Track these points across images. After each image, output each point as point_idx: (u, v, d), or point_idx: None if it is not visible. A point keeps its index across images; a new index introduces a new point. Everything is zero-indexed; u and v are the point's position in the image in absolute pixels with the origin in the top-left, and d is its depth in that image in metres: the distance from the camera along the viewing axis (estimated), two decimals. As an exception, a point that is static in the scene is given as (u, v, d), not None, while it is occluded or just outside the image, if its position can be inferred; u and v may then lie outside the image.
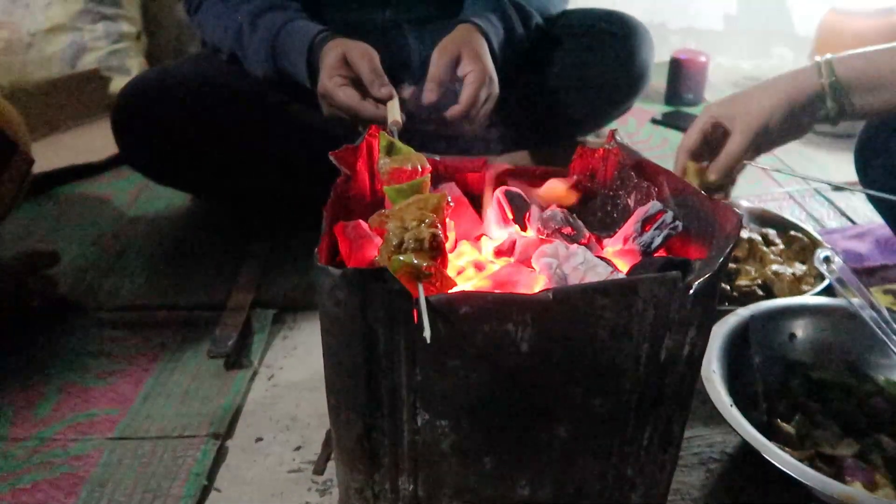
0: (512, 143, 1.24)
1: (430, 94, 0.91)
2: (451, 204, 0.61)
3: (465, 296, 0.47)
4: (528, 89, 1.15)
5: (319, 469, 0.71)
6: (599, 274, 0.54)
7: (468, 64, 0.92)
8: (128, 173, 1.28)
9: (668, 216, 0.60)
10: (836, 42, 1.77)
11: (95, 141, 1.46)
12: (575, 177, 0.71)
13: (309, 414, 0.78)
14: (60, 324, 0.92)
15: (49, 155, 1.31)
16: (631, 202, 0.68)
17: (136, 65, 1.67)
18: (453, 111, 0.91)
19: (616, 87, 1.19)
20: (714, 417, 0.73)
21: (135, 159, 1.10)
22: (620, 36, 1.18)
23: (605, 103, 1.21)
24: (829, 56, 0.79)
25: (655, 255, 0.59)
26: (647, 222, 0.61)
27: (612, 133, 0.71)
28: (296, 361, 0.87)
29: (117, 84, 1.60)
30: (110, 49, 1.63)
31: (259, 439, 0.75)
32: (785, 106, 0.78)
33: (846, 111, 0.78)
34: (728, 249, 0.50)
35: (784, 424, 0.68)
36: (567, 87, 1.16)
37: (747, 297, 0.88)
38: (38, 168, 0.91)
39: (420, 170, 0.62)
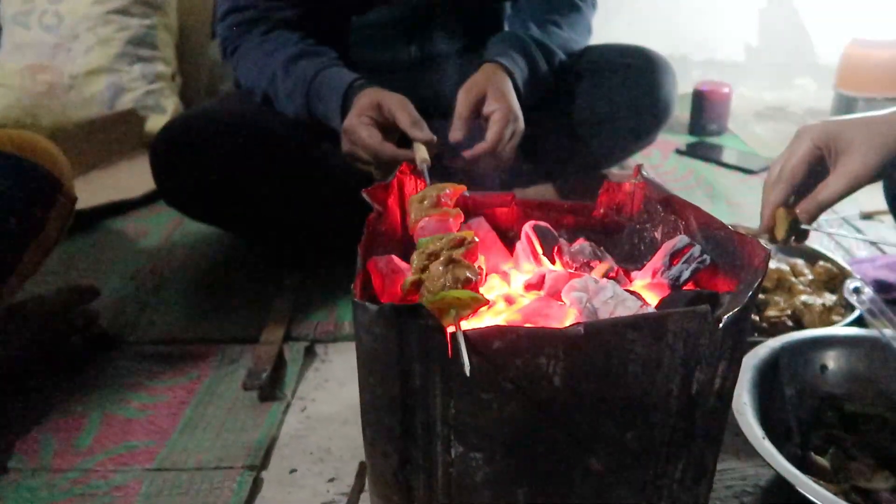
0: (537, 176, 1.26)
1: (456, 133, 0.93)
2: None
3: (499, 330, 0.49)
4: (553, 124, 1.17)
5: (353, 501, 0.71)
6: (629, 308, 0.55)
7: (493, 102, 0.94)
8: (163, 209, 1.31)
9: (696, 250, 0.60)
10: (858, 72, 1.78)
11: (132, 178, 1.50)
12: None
13: (341, 446, 0.79)
14: (101, 357, 0.95)
15: (88, 192, 1.34)
16: (658, 235, 0.69)
17: (170, 104, 1.73)
18: (480, 148, 0.93)
19: (640, 121, 1.20)
20: (747, 450, 0.73)
21: (172, 196, 1.14)
22: (643, 70, 1.20)
23: (629, 137, 1.23)
24: None
25: (684, 288, 0.60)
26: (674, 256, 0.62)
27: (638, 168, 0.72)
28: (327, 394, 0.89)
29: (153, 123, 1.66)
30: (146, 89, 1.70)
31: (293, 471, 0.76)
32: None
33: None
34: (756, 283, 0.51)
35: (818, 457, 0.68)
36: (591, 121, 1.18)
37: (777, 329, 0.88)
38: (77, 205, 0.94)
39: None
